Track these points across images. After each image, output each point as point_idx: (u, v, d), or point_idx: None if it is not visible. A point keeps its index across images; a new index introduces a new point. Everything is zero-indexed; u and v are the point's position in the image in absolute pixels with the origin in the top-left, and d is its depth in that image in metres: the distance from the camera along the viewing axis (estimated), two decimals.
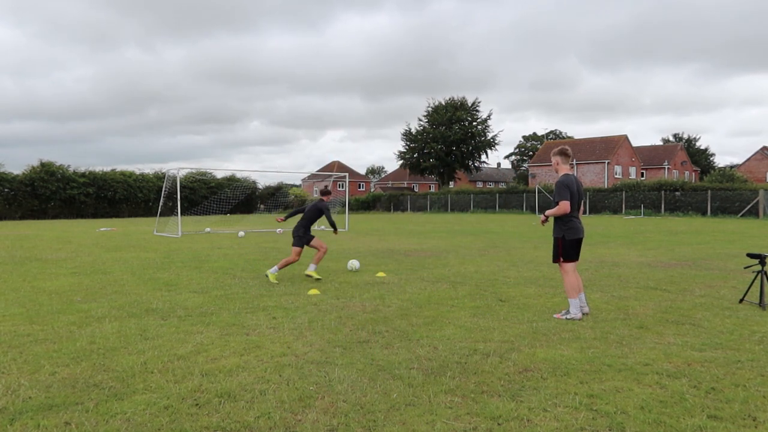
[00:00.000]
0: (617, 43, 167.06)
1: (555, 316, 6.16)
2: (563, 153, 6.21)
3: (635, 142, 63.34)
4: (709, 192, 37.57)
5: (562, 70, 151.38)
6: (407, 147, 64.85)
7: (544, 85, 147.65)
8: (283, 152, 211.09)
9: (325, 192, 9.56)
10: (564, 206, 6.00)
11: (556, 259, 6.23)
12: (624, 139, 59.50)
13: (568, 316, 6.04)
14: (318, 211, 9.20)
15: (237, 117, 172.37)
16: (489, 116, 63.31)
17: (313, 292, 7.73)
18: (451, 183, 66.38)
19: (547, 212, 6.16)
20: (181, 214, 22.20)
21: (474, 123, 62.79)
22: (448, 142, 61.52)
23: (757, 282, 7.41)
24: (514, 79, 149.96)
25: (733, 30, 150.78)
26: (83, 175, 43.63)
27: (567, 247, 6.13)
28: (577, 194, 6.13)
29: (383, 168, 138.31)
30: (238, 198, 48.19)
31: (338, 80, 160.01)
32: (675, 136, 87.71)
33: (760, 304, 6.57)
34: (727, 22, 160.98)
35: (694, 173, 69.97)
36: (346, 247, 15.03)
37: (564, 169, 6.24)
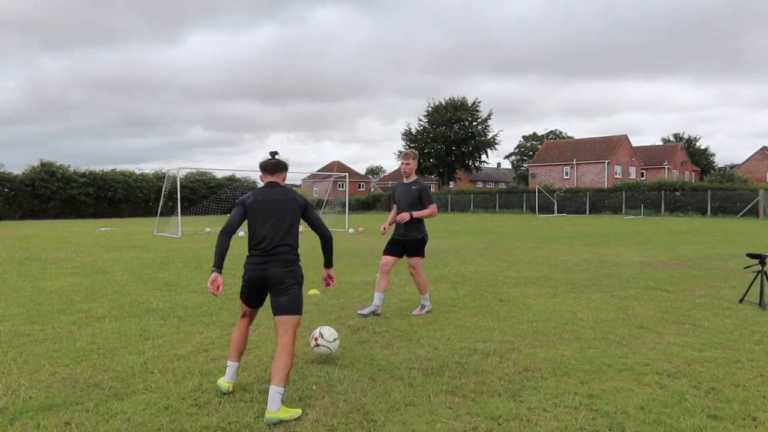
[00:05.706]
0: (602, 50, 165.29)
1: (414, 312, 6.40)
2: (417, 157, 6.53)
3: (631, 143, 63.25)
4: (709, 192, 37.57)
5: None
6: (407, 147, 64.83)
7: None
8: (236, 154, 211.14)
9: None
10: (435, 209, 6.34)
11: (419, 255, 6.39)
12: (624, 139, 59.48)
13: (426, 311, 6.44)
14: None
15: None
16: (489, 116, 63.25)
17: (313, 292, 7.72)
18: (451, 183, 66.31)
19: (416, 213, 6.23)
20: (181, 213, 22.17)
21: (474, 123, 62.75)
22: (448, 142, 61.47)
23: (757, 282, 7.40)
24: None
25: (725, 34, 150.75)
26: (83, 175, 43.60)
27: (425, 247, 6.50)
28: None
29: (382, 168, 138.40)
30: (237, 197, 48.10)
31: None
32: (675, 136, 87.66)
33: (760, 304, 6.57)
34: (718, 24, 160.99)
35: (694, 173, 69.89)
36: (347, 247, 15.02)
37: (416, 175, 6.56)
